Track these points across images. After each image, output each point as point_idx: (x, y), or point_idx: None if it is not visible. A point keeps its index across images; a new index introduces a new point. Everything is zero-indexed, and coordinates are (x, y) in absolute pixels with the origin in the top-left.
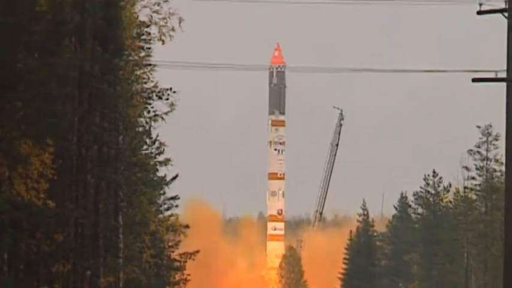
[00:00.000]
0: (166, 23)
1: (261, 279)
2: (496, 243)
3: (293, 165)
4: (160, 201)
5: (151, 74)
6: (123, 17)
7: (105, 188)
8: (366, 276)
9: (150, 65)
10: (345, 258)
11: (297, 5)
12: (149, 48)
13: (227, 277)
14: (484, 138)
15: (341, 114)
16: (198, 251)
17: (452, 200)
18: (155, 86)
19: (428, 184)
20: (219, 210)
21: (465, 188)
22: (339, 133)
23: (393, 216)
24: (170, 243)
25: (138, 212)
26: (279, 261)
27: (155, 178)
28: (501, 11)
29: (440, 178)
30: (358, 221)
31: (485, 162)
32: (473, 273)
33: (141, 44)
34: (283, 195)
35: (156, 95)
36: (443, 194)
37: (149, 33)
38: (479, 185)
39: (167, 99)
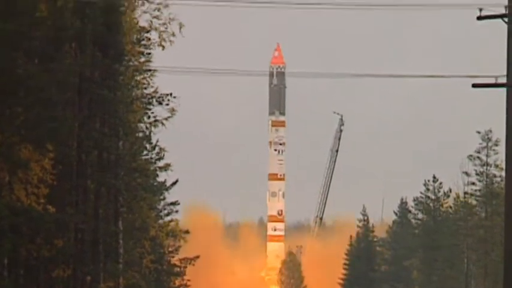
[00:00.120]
0: (166, 28)
1: (261, 280)
2: (496, 248)
3: (293, 166)
4: (160, 207)
5: (151, 79)
6: (123, 23)
7: (105, 193)
8: (366, 282)
9: (150, 70)
10: (345, 264)
11: (299, 10)
12: (149, 53)
13: (227, 282)
14: (484, 144)
15: (341, 119)
16: (198, 257)
17: (452, 205)
18: (155, 92)
19: (428, 189)
20: (219, 216)
21: (465, 193)
22: (339, 139)
23: (393, 222)
24: (170, 249)
25: (138, 218)
26: (279, 262)
27: (155, 183)
28: (501, 16)
29: (441, 183)
30: (358, 226)
31: (485, 167)
32: (473, 279)
33: (141, 49)
34: (283, 196)
35: (156, 101)
36: (443, 200)
37: (149, 39)
38: (479, 190)
39: (167, 104)
